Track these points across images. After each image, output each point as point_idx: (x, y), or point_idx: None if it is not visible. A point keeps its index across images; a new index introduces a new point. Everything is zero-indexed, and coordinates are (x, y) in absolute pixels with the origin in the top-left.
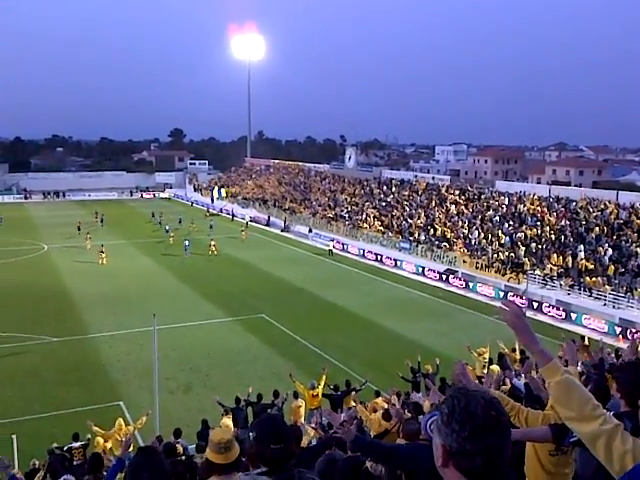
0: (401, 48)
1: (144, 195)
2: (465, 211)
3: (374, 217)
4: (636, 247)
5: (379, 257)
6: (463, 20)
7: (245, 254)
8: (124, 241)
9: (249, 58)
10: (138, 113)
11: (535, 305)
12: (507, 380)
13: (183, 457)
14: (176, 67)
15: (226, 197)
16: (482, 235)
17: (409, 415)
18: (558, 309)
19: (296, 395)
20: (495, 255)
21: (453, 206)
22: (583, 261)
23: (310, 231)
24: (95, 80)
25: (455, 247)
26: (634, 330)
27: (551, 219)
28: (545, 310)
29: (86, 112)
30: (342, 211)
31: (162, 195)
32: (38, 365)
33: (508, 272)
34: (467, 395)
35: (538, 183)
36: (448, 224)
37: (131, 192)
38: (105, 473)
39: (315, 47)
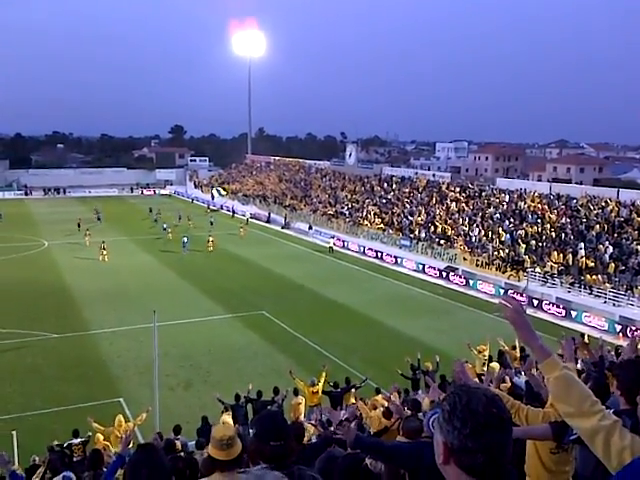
0: (402, 45)
1: (144, 192)
2: (465, 208)
3: (374, 214)
4: (637, 245)
5: (379, 254)
6: (464, 17)
7: (245, 251)
8: (124, 237)
9: (250, 55)
10: (138, 110)
11: (535, 303)
12: (507, 378)
13: (182, 454)
14: (177, 64)
15: (226, 194)
16: (482, 232)
17: (409, 412)
18: (558, 307)
19: (296, 392)
20: (495, 252)
21: (454, 203)
22: (583, 259)
23: (310, 228)
24: (95, 77)
25: (455, 244)
26: (634, 328)
27: (552, 216)
28: (545, 308)
29: (87, 109)
30: (342, 208)
31: (163, 192)
32: (38, 361)
33: (508, 270)
34: (469, 392)
35: (539, 180)
36: (449, 221)
37: (131, 189)
38: (105, 469)
39: (316, 44)
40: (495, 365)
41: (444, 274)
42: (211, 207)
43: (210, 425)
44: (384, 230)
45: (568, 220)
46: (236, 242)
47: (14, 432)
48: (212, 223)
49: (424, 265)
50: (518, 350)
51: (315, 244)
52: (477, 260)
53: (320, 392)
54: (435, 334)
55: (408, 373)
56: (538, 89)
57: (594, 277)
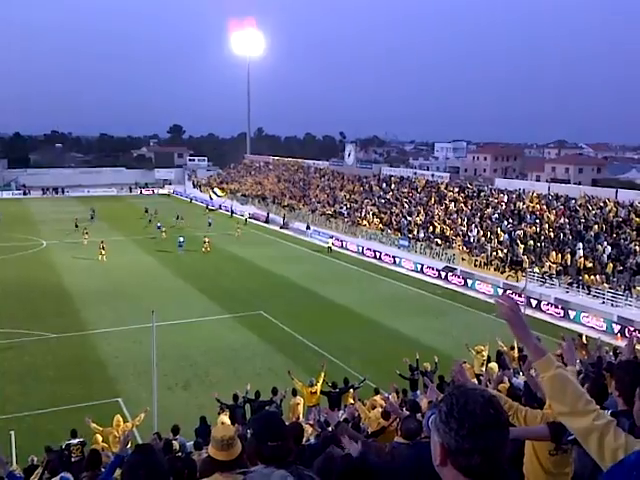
0: (400, 46)
1: (143, 191)
2: (464, 208)
3: (373, 214)
4: (635, 245)
5: (378, 254)
6: (462, 16)
7: (244, 251)
8: (122, 237)
9: (249, 54)
10: (137, 109)
11: (534, 303)
12: (505, 379)
13: (180, 454)
14: (176, 63)
15: (224, 195)
16: (481, 233)
17: (407, 413)
18: (557, 307)
19: (294, 392)
20: (494, 253)
21: (452, 203)
22: (582, 259)
23: (308, 228)
24: (95, 76)
25: (454, 244)
26: (632, 328)
27: (550, 217)
28: (544, 308)
29: (85, 108)
30: (341, 208)
31: (161, 191)
32: (36, 361)
33: (507, 270)
34: (466, 393)
35: (537, 180)
36: (447, 221)
37: (130, 188)
38: (103, 470)
39: (315, 44)
40: (494, 365)
41: (442, 274)
42: (209, 207)
43: (208, 425)
44: (383, 230)
45: (566, 220)
46: (234, 242)
47: (12, 432)
48: (210, 224)
49: (422, 265)
50: (516, 350)
51: (314, 244)
52: (475, 260)
53: (319, 392)
54: (433, 334)
55: (406, 373)
56: (537, 89)
57: (592, 277)
